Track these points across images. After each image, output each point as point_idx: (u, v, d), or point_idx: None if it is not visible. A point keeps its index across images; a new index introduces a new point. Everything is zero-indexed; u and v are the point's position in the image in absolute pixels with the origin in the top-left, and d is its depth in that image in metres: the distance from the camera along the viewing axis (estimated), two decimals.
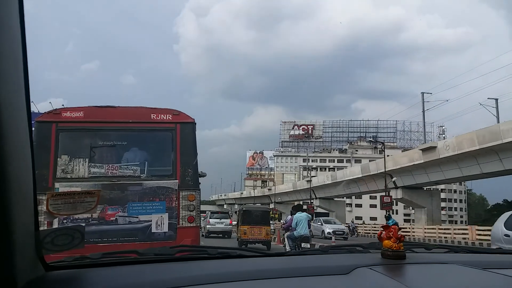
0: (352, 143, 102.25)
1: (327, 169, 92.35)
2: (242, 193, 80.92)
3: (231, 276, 1.13)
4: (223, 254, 1.50)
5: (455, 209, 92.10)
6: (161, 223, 5.84)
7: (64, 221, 5.50)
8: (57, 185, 5.65)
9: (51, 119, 5.80)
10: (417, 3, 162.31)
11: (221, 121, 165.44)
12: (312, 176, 50.55)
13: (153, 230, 5.80)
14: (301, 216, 10.48)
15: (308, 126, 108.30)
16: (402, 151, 69.38)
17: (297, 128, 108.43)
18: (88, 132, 6.09)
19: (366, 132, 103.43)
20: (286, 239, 11.04)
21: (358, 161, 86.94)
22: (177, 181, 5.97)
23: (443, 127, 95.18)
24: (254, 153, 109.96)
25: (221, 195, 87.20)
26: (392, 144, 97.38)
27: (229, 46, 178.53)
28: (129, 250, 1.51)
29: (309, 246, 10.07)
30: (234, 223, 22.87)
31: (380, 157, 65.72)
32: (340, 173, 45.89)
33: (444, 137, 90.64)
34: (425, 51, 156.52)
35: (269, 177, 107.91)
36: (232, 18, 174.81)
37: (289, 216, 12.06)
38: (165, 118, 6.10)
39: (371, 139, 75.80)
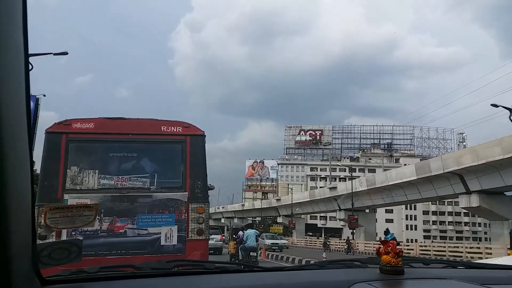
0: (365, 150, 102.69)
1: (337, 179, 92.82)
2: (243, 205, 79.17)
3: None
4: (221, 268, 1.61)
5: None
6: (170, 236, 6.49)
7: (73, 233, 6.18)
8: (66, 196, 6.31)
9: (61, 130, 6.47)
10: (410, 20, 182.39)
11: (215, 135, 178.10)
12: (333, 179, 49.43)
13: (162, 242, 6.44)
14: (250, 232, 15.58)
15: (316, 132, 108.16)
16: (420, 159, 70.05)
17: (303, 134, 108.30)
18: (98, 143, 6.76)
19: (380, 138, 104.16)
20: (239, 250, 15.60)
21: (371, 170, 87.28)
22: (187, 193, 6.63)
23: (464, 134, 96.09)
24: (254, 163, 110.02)
25: (218, 208, 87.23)
26: (408, 151, 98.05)
27: (224, 61, 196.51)
28: (126, 264, 1.63)
29: (256, 255, 15.54)
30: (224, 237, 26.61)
31: (396, 166, 66.38)
32: (382, 176, 39.75)
33: (464, 145, 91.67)
34: (417, 69, 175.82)
35: (272, 188, 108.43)
36: (227, 33, 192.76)
37: (241, 232, 17.46)
38: (175, 130, 6.77)
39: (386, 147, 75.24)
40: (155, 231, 6.45)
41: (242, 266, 1.73)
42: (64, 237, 6.20)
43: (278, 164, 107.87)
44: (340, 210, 47.57)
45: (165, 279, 1.42)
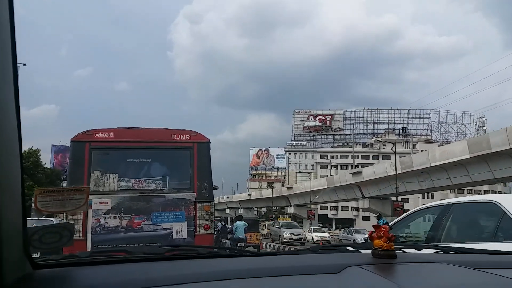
0: (379, 136, 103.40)
1: (349, 166, 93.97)
2: (250, 194, 79.18)
3: (221, 275, 1.28)
4: (213, 253, 1.71)
5: None
6: (181, 230, 8.05)
7: (97, 228, 7.77)
8: (90, 197, 7.83)
9: (85, 139, 8.03)
10: (411, 10, 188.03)
11: (215, 128, 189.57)
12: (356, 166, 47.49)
13: (174, 236, 8.01)
14: (239, 224, 17.72)
15: (326, 116, 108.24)
16: (438, 145, 71.07)
17: (312, 119, 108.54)
18: (117, 150, 8.32)
19: (395, 123, 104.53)
20: (228, 240, 17.68)
21: (386, 157, 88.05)
22: (195, 193, 8.19)
23: (483, 118, 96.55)
24: (258, 151, 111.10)
25: (222, 198, 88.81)
26: (425, 137, 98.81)
27: (223, 53, 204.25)
28: (118, 249, 2.26)
29: (243, 245, 17.32)
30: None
31: (413, 152, 66.91)
32: (421, 157, 36.06)
33: (484, 130, 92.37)
34: (419, 60, 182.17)
35: (278, 178, 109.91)
36: (226, 25, 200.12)
37: (219, 223, 19.05)
38: (184, 138, 8.32)
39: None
40: (167, 227, 8.01)
41: (235, 251, 1.85)
42: (89, 232, 7.79)
43: (286, 151, 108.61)
44: (364, 198, 45.19)
45: (157, 263, 1.51)
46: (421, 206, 5.38)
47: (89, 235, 7.72)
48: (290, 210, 67.84)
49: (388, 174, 38.82)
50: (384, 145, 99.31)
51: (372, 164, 58.65)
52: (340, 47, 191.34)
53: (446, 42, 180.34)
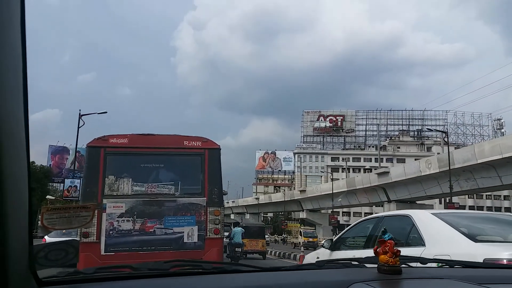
0: (393, 138, 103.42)
1: (362, 170, 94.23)
2: (257, 198, 78.88)
3: None
4: (218, 269, 1.78)
5: None
6: (192, 234, 8.74)
7: (110, 232, 8.48)
8: (105, 201, 8.58)
9: (100, 144, 8.76)
10: (413, 17, 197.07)
11: (217, 133, 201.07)
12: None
13: (185, 240, 8.70)
14: (237, 230, 20.65)
15: (337, 117, 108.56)
16: (455, 148, 71.28)
17: (323, 120, 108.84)
18: (131, 155, 9.06)
19: (409, 124, 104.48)
20: (227, 246, 19.02)
21: (401, 160, 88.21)
22: (205, 198, 8.89)
23: (502, 120, 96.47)
24: (265, 154, 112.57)
25: (227, 202, 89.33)
26: (441, 139, 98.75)
27: (226, 59, 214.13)
28: (123, 265, 1.77)
29: (240, 250, 20.17)
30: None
31: (429, 155, 66.58)
32: (465, 152, 32.86)
33: (503, 132, 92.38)
34: (421, 66, 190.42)
35: (285, 181, 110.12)
36: (229, 32, 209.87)
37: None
38: (195, 144, 9.04)
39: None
40: (179, 230, 8.70)
41: (240, 267, 1.89)
42: (103, 235, 8.49)
43: (295, 153, 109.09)
44: (389, 202, 43.55)
45: (162, 279, 1.57)
46: (363, 218, 6.71)
47: (103, 238, 8.38)
48: (302, 215, 67.03)
49: (422, 174, 36.57)
50: (398, 148, 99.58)
51: (386, 167, 57.17)
52: (342, 54, 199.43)
53: (449, 49, 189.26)
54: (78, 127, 29.20)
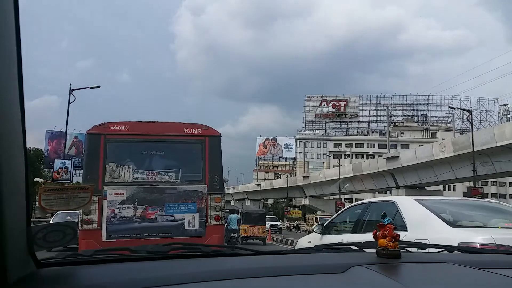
0: (397, 123, 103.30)
1: (365, 156, 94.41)
2: (259, 184, 79.31)
3: (225, 274, 1.36)
4: (217, 252, 1.81)
5: None
6: (193, 221, 8.95)
7: (112, 219, 8.69)
8: (105, 188, 8.77)
9: (100, 131, 8.92)
10: (415, 4, 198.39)
11: (216, 121, 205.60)
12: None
13: (186, 227, 8.91)
14: (233, 216, 22.65)
15: (340, 102, 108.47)
16: (460, 134, 71.27)
17: (325, 105, 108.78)
18: (131, 143, 9.23)
19: (414, 110, 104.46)
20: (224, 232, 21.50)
21: (405, 146, 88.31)
22: (206, 185, 9.08)
23: (508, 106, 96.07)
24: (265, 140, 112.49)
25: (227, 189, 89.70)
26: (446, 125, 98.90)
27: (225, 45, 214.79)
28: (122, 247, 1.80)
29: (236, 236, 22.33)
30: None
31: (433, 140, 66.34)
32: (484, 134, 31.78)
33: (509, 118, 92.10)
34: (422, 54, 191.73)
35: (286, 168, 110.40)
36: (228, 17, 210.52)
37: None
38: (196, 132, 9.20)
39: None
40: (180, 217, 8.91)
41: (239, 250, 1.91)
42: (104, 222, 8.71)
43: (297, 139, 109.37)
44: (398, 187, 42.82)
45: (161, 262, 1.59)
46: (354, 203, 7.08)
47: (104, 225, 8.59)
48: (304, 201, 66.67)
49: (435, 158, 35.56)
50: (403, 133, 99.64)
51: (396, 151, 56.52)
52: (343, 40, 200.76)
53: (450, 36, 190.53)
54: (69, 103, 28.46)
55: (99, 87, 30.07)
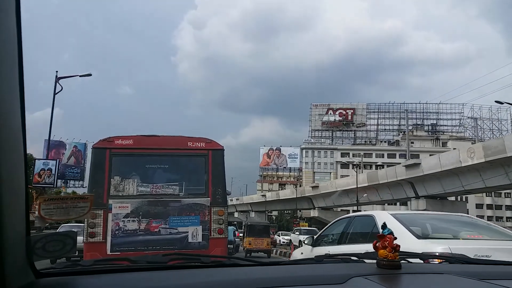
0: (406, 133, 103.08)
1: (373, 166, 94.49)
2: (264, 195, 78.01)
3: (224, 285, 1.40)
4: (217, 262, 1.87)
5: None
6: (196, 234, 9.37)
7: (116, 232, 9.12)
8: (110, 201, 9.21)
9: (106, 145, 9.40)
10: (414, 16, 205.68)
11: (218, 132, 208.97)
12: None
13: (190, 240, 9.32)
14: (229, 228, 20.69)
15: (347, 111, 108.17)
16: (472, 143, 71.25)
17: (332, 113, 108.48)
18: (136, 156, 9.70)
19: (424, 118, 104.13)
20: None
21: (415, 156, 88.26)
22: (209, 198, 9.51)
23: None
24: (269, 150, 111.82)
25: (231, 200, 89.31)
26: (457, 134, 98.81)
27: (226, 58, 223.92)
28: (121, 257, 1.89)
29: (232, 247, 22.17)
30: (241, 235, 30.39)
31: (444, 150, 65.84)
32: None
33: None
34: (422, 65, 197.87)
35: (290, 179, 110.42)
36: (229, 30, 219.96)
37: None
38: (199, 145, 9.67)
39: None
40: (183, 230, 9.33)
41: (238, 260, 1.94)
42: (109, 235, 9.13)
43: (302, 149, 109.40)
44: (417, 198, 41.12)
45: (161, 272, 1.64)
46: (340, 217, 7.99)
47: (109, 238, 8.99)
48: (313, 213, 65.33)
49: (463, 165, 33.47)
50: (412, 143, 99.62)
51: (399, 163, 55.30)
52: (343, 53, 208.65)
53: (450, 48, 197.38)
54: (55, 93, 27.30)
55: (91, 75, 29.85)
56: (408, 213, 6.84)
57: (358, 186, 47.39)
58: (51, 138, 71.71)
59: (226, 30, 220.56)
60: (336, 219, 8.05)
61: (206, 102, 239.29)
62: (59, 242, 1.38)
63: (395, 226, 5.34)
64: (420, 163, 39.37)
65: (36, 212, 1.50)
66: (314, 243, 7.86)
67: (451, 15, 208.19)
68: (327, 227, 8.09)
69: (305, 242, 8.24)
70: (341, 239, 6.91)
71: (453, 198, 54.99)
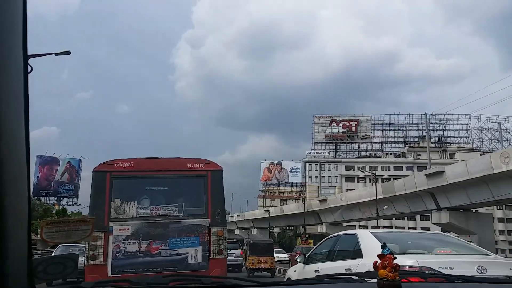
0: (412, 144, 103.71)
1: (379, 179, 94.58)
2: (267, 211, 76.35)
3: None
4: (217, 283, 1.94)
5: None
6: (196, 255, 9.84)
7: (117, 254, 9.59)
8: (111, 224, 9.70)
9: (106, 169, 9.92)
10: (409, 33, 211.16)
11: (215, 149, 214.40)
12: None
13: (190, 261, 9.79)
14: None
15: (351, 122, 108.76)
16: (480, 154, 71.45)
17: (335, 125, 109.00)
18: (136, 179, 10.24)
19: (430, 130, 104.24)
20: None
21: (422, 168, 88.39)
22: (209, 219, 10.01)
23: None
24: (270, 164, 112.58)
25: (231, 216, 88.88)
26: (464, 145, 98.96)
27: (223, 76, 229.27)
28: (122, 279, 2.57)
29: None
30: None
31: (452, 162, 65.83)
32: None
33: None
34: (417, 82, 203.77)
35: (292, 194, 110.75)
36: (226, 48, 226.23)
37: None
38: (198, 166, 10.19)
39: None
40: (183, 251, 9.80)
41: (239, 281, 1.98)
42: (110, 257, 9.58)
43: (305, 162, 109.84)
44: (439, 210, 39.09)
45: None
46: (329, 236, 8.90)
47: (109, 260, 9.45)
48: (320, 229, 63.54)
49: (495, 172, 30.80)
50: (419, 155, 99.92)
51: (406, 176, 53.67)
52: (339, 70, 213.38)
53: (445, 65, 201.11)
54: (26, 74, 28.00)
55: (69, 53, 29.78)
56: (389, 231, 7.87)
57: (372, 198, 45.94)
58: (44, 154, 71.41)
59: (223, 48, 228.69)
60: (325, 238, 8.83)
61: (204, 119, 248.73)
62: (60, 264, 1.45)
63: (374, 244, 6.01)
64: (443, 171, 36.73)
65: (38, 236, 1.69)
66: (306, 261, 8.60)
67: (445, 32, 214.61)
68: (318, 245, 8.91)
69: (298, 260, 9.01)
70: (329, 256, 7.69)
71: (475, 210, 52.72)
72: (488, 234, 37.68)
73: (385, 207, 44.83)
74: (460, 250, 6.51)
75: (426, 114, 68.02)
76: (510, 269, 5.47)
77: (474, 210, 39.07)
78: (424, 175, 39.21)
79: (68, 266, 1.45)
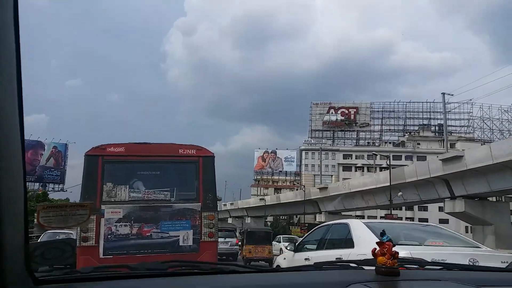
0: (412, 133, 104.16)
1: (377, 168, 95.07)
2: (263, 199, 76.90)
3: None
4: (216, 269, 2.00)
5: None
6: (187, 238, 10.37)
7: (109, 236, 10.12)
8: (103, 207, 10.21)
9: (98, 153, 10.42)
10: (403, 26, 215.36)
11: (206, 140, 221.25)
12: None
13: (181, 243, 10.33)
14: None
15: (350, 110, 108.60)
16: (482, 144, 71.83)
17: (333, 112, 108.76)
18: (128, 163, 10.74)
19: (430, 118, 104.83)
20: None
21: (422, 158, 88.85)
22: (200, 204, 10.55)
23: None
24: (264, 153, 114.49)
25: (225, 204, 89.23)
26: (465, 135, 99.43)
27: (216, 65, 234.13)
28: (121, 264, 1.94)
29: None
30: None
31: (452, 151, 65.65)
32: None
33: None
34: (411, 75, 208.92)
35: (286, 183, 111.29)
36: (220, 37, 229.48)
37: None
38: (190, 152, 10.71)
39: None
40: (175, 234, 10.33)
41: (238, 267, 2.05)
42: (102, 239, 10.09)
43: (302, 150, 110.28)
44: (453, 198, 36.97)
45: (160, 279, 1.76)
46: (320, 225, 9.14)
47: (101, 242, 9.97)
48: (319, 218, 63.21)
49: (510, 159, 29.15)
50: (419, 144, 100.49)
51: (406, 165, 51.54)
52: (334, 61, 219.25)
53: (438, 58, 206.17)
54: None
55: None
56: (380, 222, 7.87)
57: (378, 186, 45.13)
58: (28, 138, 71.26)
59: (216, 37, 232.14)
60: (316, 227, 9.10)
61: (196, 109, 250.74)
62: (58, 249, 1.48)
63: (366, 233, 6.47)
64: (462, 156, 34.35)
65: (35, 220, 2.16)
66: (296, 249, 8.91)
67: (440, 26, 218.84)
68: (308, 234, 9.26)
69: (287, 248, 9.35)
70: (320, 245, 7.97)
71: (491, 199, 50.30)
72: (505, 226, 36.41)
73: (400, 193, 41.79)
74: (452, 242, 6.81)
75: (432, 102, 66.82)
76: (502, 262, 5.63)
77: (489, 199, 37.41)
78: (440, 159, 37.25)
79: (66, 251, 1.52)
